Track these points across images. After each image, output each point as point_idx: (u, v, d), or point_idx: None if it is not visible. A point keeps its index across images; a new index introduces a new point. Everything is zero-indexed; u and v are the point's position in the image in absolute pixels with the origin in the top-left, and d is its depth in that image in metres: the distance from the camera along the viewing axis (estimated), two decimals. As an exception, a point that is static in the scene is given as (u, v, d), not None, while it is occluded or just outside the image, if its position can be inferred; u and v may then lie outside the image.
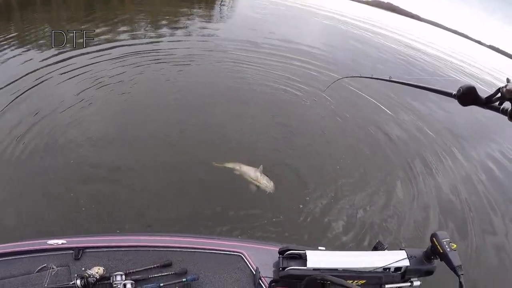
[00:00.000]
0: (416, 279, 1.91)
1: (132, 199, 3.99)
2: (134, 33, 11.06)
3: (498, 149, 8.83)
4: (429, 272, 1.87)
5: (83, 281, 1.66)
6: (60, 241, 1.98)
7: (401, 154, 6.70)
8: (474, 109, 1.16)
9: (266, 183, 4.50)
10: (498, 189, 6.56)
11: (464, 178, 6.60)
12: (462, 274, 1.56)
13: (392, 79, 2.25)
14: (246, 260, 2.10)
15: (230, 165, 4.81)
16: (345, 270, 1.81)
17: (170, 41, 10.76)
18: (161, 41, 10.69)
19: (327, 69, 10.94)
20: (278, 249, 1.97)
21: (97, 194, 3.94)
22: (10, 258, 1.92)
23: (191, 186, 4.40)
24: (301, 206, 4.43)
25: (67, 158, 4.48)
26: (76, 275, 1.70)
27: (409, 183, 5.75)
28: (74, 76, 6.82)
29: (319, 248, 1.99)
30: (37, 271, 1.85)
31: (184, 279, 1.82)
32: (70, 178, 4.14)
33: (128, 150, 4.88)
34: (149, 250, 2.06)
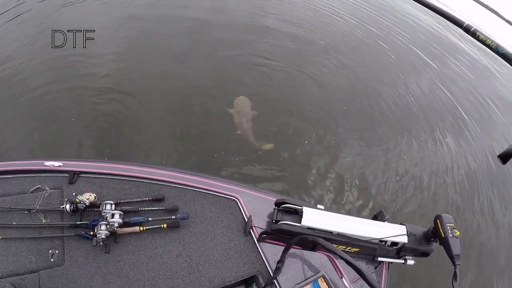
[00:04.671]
0: (411, 258, 1.87)
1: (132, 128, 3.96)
2: None
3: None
4: (426, 254, 1.83)
5: (72, 206, 1.67)
6: (57, 163, 1.96)
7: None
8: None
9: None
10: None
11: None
12: (458, 264, 1.50)
13: None
14: (240, 206, 2.04)
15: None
16: (340, 235, 1.77)
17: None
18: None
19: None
20: (275, 199, 1.93)
21: (99, 118, 3.92)
22: (7, 176, 1.92)
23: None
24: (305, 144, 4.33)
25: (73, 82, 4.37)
26: (66, 199, 1.71)
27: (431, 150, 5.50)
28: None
29: (318, 206, 1.93)
30: (31, 192, 1.87)
31: (173, 217, 1.82)
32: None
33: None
34: (143, 181, 2.03)
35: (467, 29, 1.13)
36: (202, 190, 2.07)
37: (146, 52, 5.38)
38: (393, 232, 1.76)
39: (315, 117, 5.12)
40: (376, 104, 6.24)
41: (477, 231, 4.56)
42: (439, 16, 1.33)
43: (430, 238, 1.74)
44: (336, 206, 3.94)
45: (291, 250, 1.75)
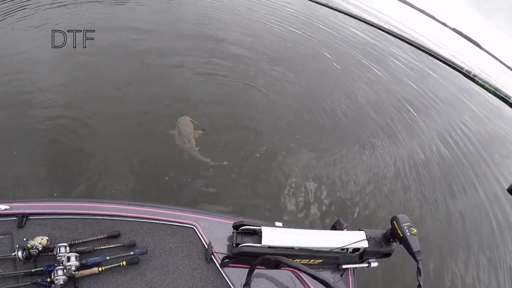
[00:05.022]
0: (374, 260, 1.92)
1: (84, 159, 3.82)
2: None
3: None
4: (387, 254, 1.87)
5: (25, 253, 1.60)
6: (2, 206, 1.85)
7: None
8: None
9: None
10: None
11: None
12: (420, 260, 1.55)
13: None
14: (198, 233, 2.01)
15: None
16: (301, 249, 1.77)
17: None
18: None
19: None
20: (232, 222, 1.90)
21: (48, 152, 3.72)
22: None
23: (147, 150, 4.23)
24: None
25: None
26: (17, 246, 1.63)
27: (374, 158, 5.82)
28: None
29: (276, 224, 1.94)
30: None
31: (132, 253, 1.79)
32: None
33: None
34: (96, 218, 1.96)
35: (467, 74, 1.22)
36: (158, 221, 2.03)
37: (90, 77, 5.24)
38: (353, 239, 1.80)
39: (263, 130, 5.26)
40: (323, 112, 6.58)
41: (431, 224, 5.03)
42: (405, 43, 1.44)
43: (390, 239, 1.78)
44: (295, 219, 4.04)
45: (257, 271, 1.75)
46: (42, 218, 1.91)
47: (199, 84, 5.90)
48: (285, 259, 1.50)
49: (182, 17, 9.03)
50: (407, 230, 1.63)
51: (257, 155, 4.69)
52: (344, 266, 1.93)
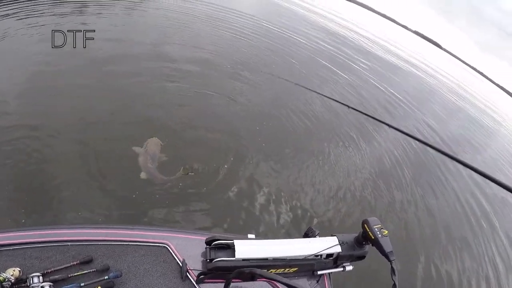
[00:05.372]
0: (349, 264, 1.96)
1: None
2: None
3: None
4: (361, 257, 1.92)
5: None
6: None
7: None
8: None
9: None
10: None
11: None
12: (393, 260, 1.59)
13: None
14: (171, 252, 2.03)
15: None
16: (275, 259, 1.80)
17: None
18: None
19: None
20: (205, 238, 1.90)
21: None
22: None
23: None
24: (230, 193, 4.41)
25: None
26: None
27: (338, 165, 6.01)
28: None
29: (249, 236, 1.96)
30: None
31: (106, 277, 1.81)
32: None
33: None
34: (67, 244, 1.96)
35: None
36: (130, 243, 2.04)
37: (52, 98, 5.11)
38: (326, 244, 1.82)
39: (229, 141, 5.35)
40: (289, 120, 6.77)
41: (403, 224, 5.32)
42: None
43: (362, 242, 1.81)
44: (268, 230, 4.12)
45: (234, 284, 1.76)
46: (12, 249, 1.89)
47: (163, 96, 5.89)
48: (258, 271, 1.52)
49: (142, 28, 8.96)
50: (378, 232, 1.68)
51: (226, 166, 4.75)
52: (319, 272, 1.96)
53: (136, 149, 4.34)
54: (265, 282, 2.00)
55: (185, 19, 11.00)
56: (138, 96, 5.65)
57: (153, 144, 4.42)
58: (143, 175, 4.05)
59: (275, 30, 14.26)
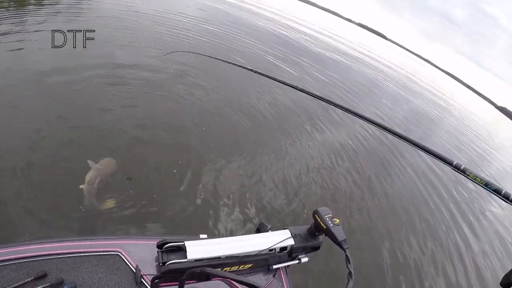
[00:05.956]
0: (304, 255, 1.95)
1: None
2: None
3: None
4: (316, 248, 1.90)
5: None
6: None
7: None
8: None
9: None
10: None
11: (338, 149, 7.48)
12: (347, 248, 1.58)
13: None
14: (124, 259, 2.00)
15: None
16: (228, 257, 1.77)
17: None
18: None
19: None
20: (156, 242, 1.86)
21: None
22: None
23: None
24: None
25: None
26: None
27: (284, 158, 6.02)
28: None
29: (201, 236, 1.92)
30: None
31: None
32: None
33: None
34: (20, 262, 1.87)
35: (457, 167, 1.25)
36: (82, 254, 2.00)
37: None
38: (278, 238, 1.82)
39: (175, 144, 5.29)
40: (235, 117, 6.75)
41: (356, 212, 5.41)
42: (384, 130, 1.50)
43: (315, 232, 1.81)
44: (220, 229, 4.09)
45: (190, 285, 1.76)
46: None
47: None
48: (209, 269, 1.49)
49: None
50: (329, 222, 1.67)
51: (174, 170, 4.68)
52: (275, 266, 1.95)
53: (91, 163, 4.19)
54: (221, 282, 2.04)
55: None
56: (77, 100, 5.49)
57: (107, 164, 4.30)
58: (83, 187, 3.89)
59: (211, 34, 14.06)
